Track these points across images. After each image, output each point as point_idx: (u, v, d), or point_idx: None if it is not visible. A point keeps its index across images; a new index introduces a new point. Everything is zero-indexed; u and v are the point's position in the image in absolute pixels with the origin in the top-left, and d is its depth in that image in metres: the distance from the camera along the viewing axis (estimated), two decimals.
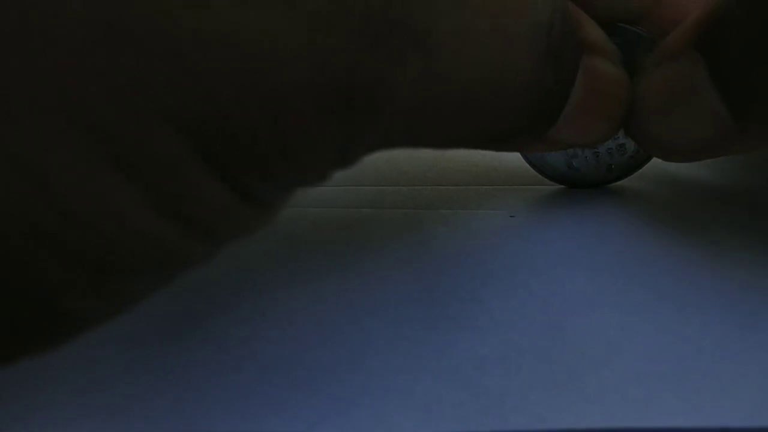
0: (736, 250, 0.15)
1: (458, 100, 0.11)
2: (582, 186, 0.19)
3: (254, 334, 0.13)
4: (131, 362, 0.12)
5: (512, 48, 0.11)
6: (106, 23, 0.07)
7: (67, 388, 0.11)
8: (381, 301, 0.13)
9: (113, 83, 0.07)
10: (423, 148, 0.13)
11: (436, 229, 0.17)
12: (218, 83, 0.08)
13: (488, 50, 0.11)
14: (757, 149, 0.15)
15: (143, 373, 0.12)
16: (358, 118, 0.09)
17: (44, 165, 0.07)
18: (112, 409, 0.11)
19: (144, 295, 0.09)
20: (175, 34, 0.08)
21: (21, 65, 0.07)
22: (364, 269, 0.15)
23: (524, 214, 0.17)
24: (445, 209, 0.18)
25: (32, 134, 0.07)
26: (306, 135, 0.09)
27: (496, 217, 0.17)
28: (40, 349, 0.09)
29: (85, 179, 0.08)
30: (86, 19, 0.07)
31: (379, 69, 0.09)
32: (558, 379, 0.11)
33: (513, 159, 0.22)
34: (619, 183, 0.19)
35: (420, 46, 0.10)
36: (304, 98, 0.09)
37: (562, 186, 0.19)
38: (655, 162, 0.18)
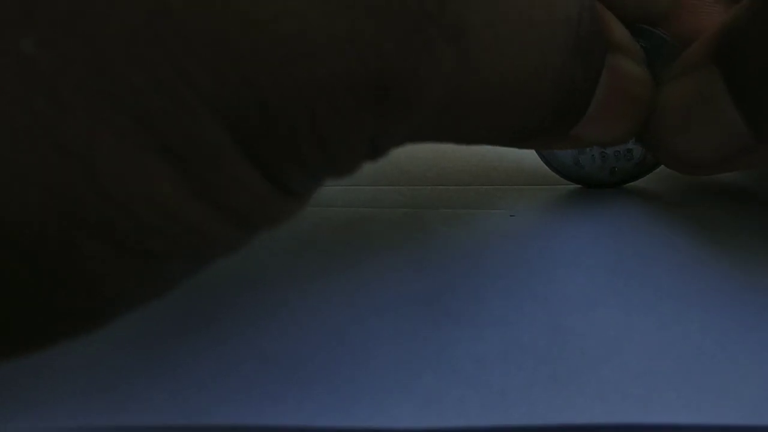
0: (737, 249, 0.15)
1: (488, 95, 0.11)
2: (582, 184, 0.19)
3: (255, 331, 0.13)
4: (132, 356, 0.12)
5: (542, 43, 0.11)
6: (149, 10, 0.07)
7: (68, 382, 0.11)
8: (382, 299, 0.13)
9: (157, 70, 0.08)
10: (448, 143, 0.13)
11: (437, 229, 0.17)
12: (259, 71, 0.08)
13: (519, 45, 0.11)
14: None
15: (144, 367, 0.12)
16: (392, 111, 0.10)
17: (91, 152, 0.07)
18: (113, 401, 0.11)
19: (180, 280, 0.10)
20: (217, 21, 0.08)
21: (69, 51, 0.07)
22: (365, 268, 0.15)
23: (524, 214, 0.17)
24: (445, 209, 0.18)
25: (80, 121, 0.07)
26: (341, 126, 0.09)
27: (496, 217, 0.17)
28: (79, 331, 0.09)
29: (131, 166, 0.08)
30: (131, 5, 0.07)
31: (414, 61, 0.09)
32: (558, 376, 0.11)
33: (513, 159, 0.22)
34: None
35: (454, 39, 0.10)
36: (341, 89, 0.09)
37: (562, 186, 0.19)
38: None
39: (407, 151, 0.23)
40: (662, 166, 0.18)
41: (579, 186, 0.19)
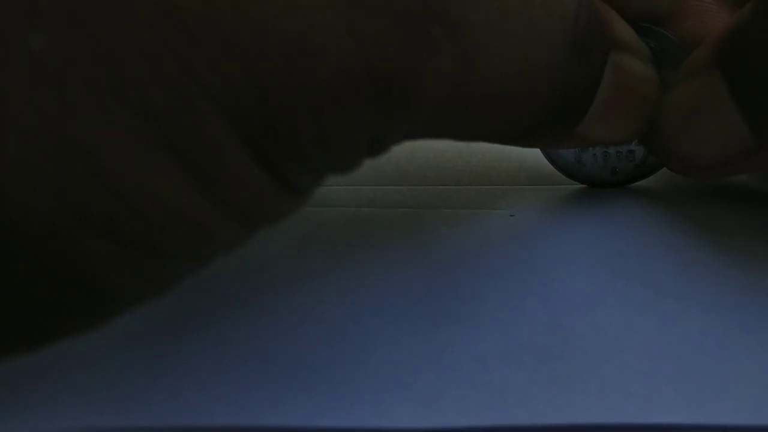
0: (737, 248, 0.15)
1: (488, 93, 0.11)
2: (583, 183, 0.19)
3: (255, 330, 0.13)
4: (132, 356, 0.12)
5: (540, 40, 0.11)
6: (155, 6, 0.07)
7: (67, 382, 0.11)
8: (382, 299, 0.13)
9: (163, 66, 0.08)
10: (448, 139, 0.13)
11: (437, 229, 0.17)
12: (263, 69, 0.08)
13: (517, 42, 0.11)
14: None
15: (144, 368, 0.12)
16: (393, 109, 0.10)
17: (98, 149, 0.07)
18: (113, 402, 0.11)
19: (182, 276, 0.10)
20: (222, 19, 0.08)
21: (76, 48, 0.07)
22: (365, 268, 0.15)
23: (524, 214, 0.17)
24: (445, 209, 0.18)
25: (87, 116, 0.07)
26: (343, 123, 0.09)
27: (496, 217, 0.17)
28: (79, 329, 0.09)
29: (137, 162, 0.08)
30: (136, 2, 0.07)
31: (416, 60, 0.09)
32: (558, 376, 0.11)
33: (513, 159, 0.22)
34: None
35: (455, 37, 0.10)
36: (343, 87, 0.09)
37: (563, 185, 0.19)
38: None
39: (407, 151, 0.23)
40: (663, 168, 0.18)
41: (579, 186, 0.19)
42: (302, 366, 0.12)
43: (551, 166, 0.19)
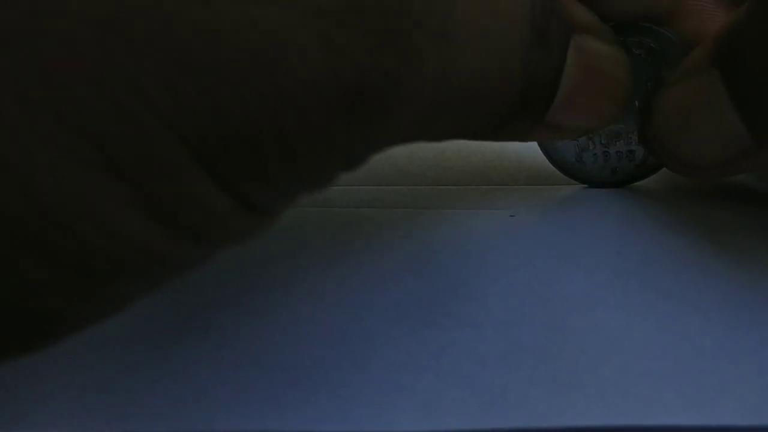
0: (737, 249, 0.15)
1: (469, 90, 0.11)
2: (583, 182, 0.19)
3: (254, 333, 0.13)
4: (131, 361, 0.12)
5: (509, 30, 0.11)
6: (101, 21, 0.07)
7: (66, 387, 0.11)
8: (381, 300, 0.13)
9: (107, 84, 0.07)
10: (422, 142, 0.12)
11: (436, 229, 0.17)
12: (219, 84, 0.08)
13: (492, 35, 0.11)
14: None
15: (143, 372, 0.12)
16: (368, 121, 0.09)
17: (28, 164, 0.07)
18: (112, 407, 0.11)
19: (134, 298, 0.09)
20: (173, 33, 0.07)
21: (11, 63, 0.07)
22: (364, 268, 0.15)
23: (524, 214, 0.17)
24: (445, 209, 0.18)
25: (19, 133, 0.07)
26: (311, 140, 0.09)
27: (496, 217, 0.17)
28: (26, 350, 0.09)
29: (74, 182, 0.07)
30: (81, 17, 0.07)
31: (394, 69, 0.09)
32: (558, 377, 0.11)
33: (513, 159, 0.22)
34: None
35: (440, 41, 0.09)
36: (310, 101, 0.08)
37: (563, 185, 0.19)
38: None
39: (407, 151, 0.23)
40: (663, 168, 0.18)
41: (580, 186, 0.19)
42: (301, 369, 0.12)
43: (551, 166, 0.19)
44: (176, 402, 0.11)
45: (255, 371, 0.12)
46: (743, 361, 0.11)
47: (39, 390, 0.11)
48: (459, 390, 0.11)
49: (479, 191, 0.20)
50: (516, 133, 0.14)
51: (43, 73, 0.07)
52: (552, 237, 0.16)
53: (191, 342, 0.12)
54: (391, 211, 0.18)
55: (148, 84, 0.07)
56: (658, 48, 0.16)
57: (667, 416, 0.10)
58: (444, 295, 0.14)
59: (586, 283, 0.14)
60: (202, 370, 0.12)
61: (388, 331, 0.12)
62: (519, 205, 0.18)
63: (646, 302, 0.13)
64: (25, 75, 0.07)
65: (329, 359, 0.12)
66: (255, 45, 0.08)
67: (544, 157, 0.19)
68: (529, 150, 0.20)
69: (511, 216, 0.17)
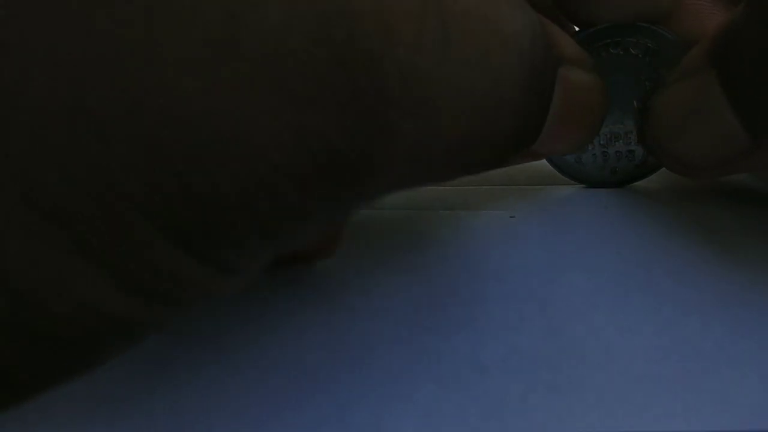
0: (736, 251, 0.15)
1: (453, 144, 0.10)
2: (583, 182, 0.19)
3: (253, 338, 0.13)
4: (129, 365, 0.12)
5: (500, 83, 0.11)
6: (67, 107, 0.07)
7: (64, 390, 0.11)
8: (380, 304, 0.13)
9: (73, 168, 0.07)
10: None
11: (436, 230, 0.17)
12: (188, 167, 0.07)
13: (481, 91, 0.10)
14: None
15: (142, 377, 0.12)
16: (344, 191, 0.09)
17: None
18: (111, 411, 0.11)
19: (112, 356, 0.09)
20: (139, 120, 0.07)
21: None
22: (364, 271, 0.15)
23: (524, 215, 0.17)
24: (445, 209, 0.18)
25: None
26: (286, 215, 0.08)
27: (496, 218, 0.17)
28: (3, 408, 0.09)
29: (40, 261, 0.07)
30: (47, 102, 0.07)
31: (369, 144, 0.09)
32: (558, 383, 0.11)
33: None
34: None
35: (416, 112, 0.09)
36: (285, 183, 0.08)
37: (563, 186, 0.19)
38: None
39: None
40: (663, 167, 0.18)
41: (579, 186, 0.19)
42: (299, 375, 0.12)
43: (551, 166, 0.19)
44: (175, 407, 0.11)
45: (253, 377, 0.12)
46: (743, 365, 0.11)
47: (39, 397, 0.11)
48: (458, 396, 0.11)
49: (479, 192, 0.20)
50: (502, 165, 0.14)
51: (11, 161, 0.07)
52: (552, 239, 0.16)
53: (189, 347, 0.12)
54: (390, 212, 0.18)
55: (117, 169, 0.07)
56: (657, 48, 0.16)
57: (667, 422, 0.10)
58: (443, 299, 0.14)
59: (586, 285, 0.14)
60: (201, 375, 0.12)
61: (386, 336, 0.12)
62: (519, 206, 0.18)
63: (646, 305, 0.13)
64: None
65: (328, 364, 0.12)
66: (225, 132, 0.07)
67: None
68: None
69: (511, 217, 0.17)
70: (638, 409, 0.11)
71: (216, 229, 0.08)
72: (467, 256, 0.15)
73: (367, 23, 0.08)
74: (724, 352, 0.12)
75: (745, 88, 0.13)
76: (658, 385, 0.11)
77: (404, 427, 0.10)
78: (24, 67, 0.07)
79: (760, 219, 0.16)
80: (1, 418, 0.11)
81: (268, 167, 0.08)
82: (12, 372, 0.08)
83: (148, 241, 0.08)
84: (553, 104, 0.13)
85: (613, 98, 0.17)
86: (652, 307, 0.13)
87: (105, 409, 0.11)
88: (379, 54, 0.08)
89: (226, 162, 0.08)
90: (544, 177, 0.20)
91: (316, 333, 0.13)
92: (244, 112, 0.08)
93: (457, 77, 0.10)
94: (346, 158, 0.08)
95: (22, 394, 0.09)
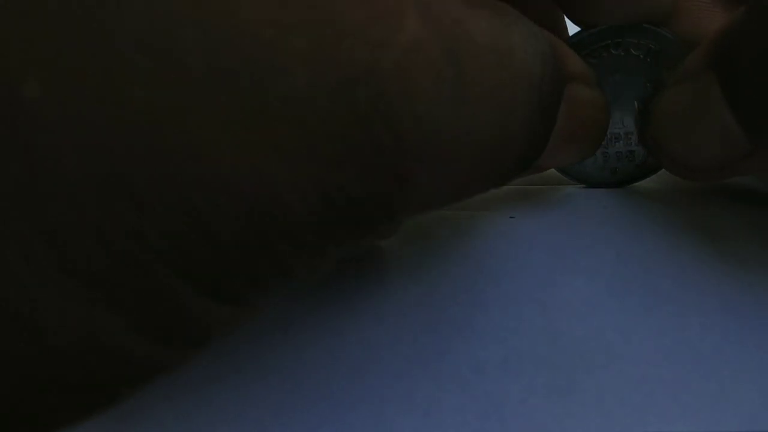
0: (736, 252, 0.15)
1: (462, 182, 0.11)
2: (583, 182, 0.19)
3: (253, 339, 0.13)
4: None
5: (510, 117, 0.11)
6: (100, 177, 0.07)
7: None
8: (380, 305, 0.13)
9: (106, 233, 0.07)
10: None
11: (436, 231, 0.17)
12: (215, 222, 0.08)
13: (489, 132, 0.10)
14: None
15: None
16: (361, 235, 0.09)
17: (32, 310, 0.07)
18: (113, 414, 0.11)
19: (128, 398, 0.10)
20: (171, 185, 0.07)
21: (16, 224, 0.07)
22: (363, 272, 0.15)
23: (524, 216, 0.17)
24: (444, 210, 0.18)
25: (23, 283, 0.07)
26: (305, 257, 0.09)
27: (496, 218, 0.17)
28: None
29: (74, 319, 0.08)
30: (81, 174, 0.07)
31: (387, 194, 0.09)
32: (557, 384, 0.11)
33: None
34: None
35: (431, 162, 0.09)
36: (307, 232, 0.08)
37: (563, 186, 0.19)
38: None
39: None
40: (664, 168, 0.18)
41: (579, 186, 0.19)
42: (299, 375, 0.12)
43: None
44: (176, 408, 0.11)
45: (253, 378, 0.12)
46: (742, 367, 0.11)
47: None
48: (457, 397, 0.11)
49: None
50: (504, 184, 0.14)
51: (47, 230, 0.07)
52: (551, 240, 0.16)
53: None
54: None
55: (148, 232, 0.07)
56: (658, 49, 0.16)
57: (666, 423, 0.10)
58: (443, 300, 0.14)
59: (586, 287, 0.14)
60: (202, 376, 0.12)
61: (386, 337, 0.12)
62: (519, 206, 0.18)
63: (645, 307, 0.13)
64: (30, 234, 0.07)
65: (328, 365, 0.12)
66: (251, 189, 0.08)
67: None
68: None
69: (510, 218, 0.17)
70: (638, 411, 0.11)
71: (239, 274, 0.08)
72: (466, 257, 0.15)
73: (389, 82, 0.08)
74: (723, 353, 0.12)
75: (744, 91, 0.13)
76: (658, 386, 0.11)
77: (404, 427, 0.10)
78: (59, 141, 0.07)
79: (761, 220, 0.16)
80: None
81: (290, 217, 0.08)
82: (41, 418, 0.08)
83: (176, 291, 0.08)
84: (558, 121, 0.13)
85: (614, 99, 0.17)
86: (651, 308, 0.13)
87: (106, 413, 0.11)
88: (401, 111, 0.09)
89: (252, 215, 0.08)
90: (544, 177, 0.20)
91: (316, 333, 0.13)
92: (270, 171, 0.08)
93: (469, 119, 0.10)
94: (364, 207, 0.09)
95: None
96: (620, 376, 0.11)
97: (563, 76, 0.13)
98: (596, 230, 0.16)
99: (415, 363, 0.12)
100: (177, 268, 0.08)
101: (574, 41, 0.16)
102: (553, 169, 0.19)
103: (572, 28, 0.17)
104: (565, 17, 0.17)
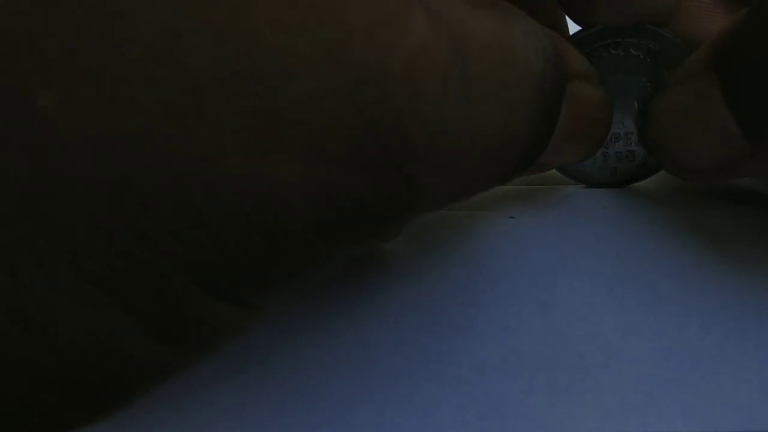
0: (736, 252, 0.15)
1: (465, 182, 0.11)
2: (583, 182, 0.19)
3: (253, 339, 0.13)
4: None
5: (513, 117, 0.11)
6: (112, 181, 0.07)
7: None
8: (380, 306, 0.13)
9: (119, 237, 0.07)
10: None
11: (436, 231, 0.17)
12: (224, 225, 0.08)
13: (492, 132, 0.11)
14: None
15: None
16: (368, 237, 0.09)
17: (45, 314, 0.07)
18: (114, 416, 0.11)
19: (145, 393, 0.10)
20: (181, 189, 0.08)
21: (28, 228, 0.07)
22: (363, 273, 0.15)
23: (524, 216, 0.17)
24: (444, 210, 0.18)
25: (36, 287, 0.07)
26: (312, 259, 0.09)
27: (496, 218, 0.17)
28: None
29: (86, 321, 0.08)
30: (93, 180, 0.07)
31: (394, 195, 0.09)
32: (557, 384, 0.11)
33: None
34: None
35: (436, 163, 0.09)
36: (311, 230, 0.09)
37: (563, 186, 0.19)
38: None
39: None
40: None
41: (579, 186, 0.19)
42: (300, 376, 0.12)
43: None
44: (177, 408, 0.11)
45: (254, 378, 0.12)
46: (742, 367, 0.11)
47: None
48: (457, 397, 0.11)
49: None
50: (506, 183, 0.14)
51: (60, 234, 0.07)
52: (551, 240, 0.16)
53: None
54: None
55: (158, 235, 0.08)
56: (658, 49, 0.16)
57: (666, 423, 0.10)
58: (442, 300, 0.14)
59: (585, 287, 0.14)
60: (202, 375, 0.12)
61: (386, 337, 0.12)
62: (519, 206, 0.18)
63: (645, 307, 0.13)
64: (43, 237, 0.07)
65: (328, 366, 0.12)
66: (259, 192, 0.08)
67: None
68: None
69: (510, 218, 0.17)
70: (638, 411, 0.11)
71: (247, 275, 0.09)
72: (466, 257, 0.15)
73: (397, 84, 0.08)
74: (723, 353, 0.12)
75: (745, 93, 0.13)
76: (658, 387, 0.11)
77: (404, 427, 0.10)
78: (71, 146, 0.07)
79: (760, 220, 0.16)
80: None
81: (297, 219, 0.08)
82: (50, 419, 0.08)
83: (185, 293, 0.08)
84: (561, 120, 0.13)
85: (614, 99, 0.17)
86: (651, 308, 0.13)
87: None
88: (408, 113, 0.09)
89: (260, 218, 0.08)
90: (544, 177, 0.20)
91: (316, 333, 0.13)
92: (278, 172, 0.08)
93: (474, 119, 0.10)
94: (371, 208, 0.09)
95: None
96: (620, 376, 0.11)
97: (565, 74, 0.13)
98: (596, 230, 0.16)
99: (415, 363, 0.12)
100: (185, 269, 0.08)
101: (574, 41, 0.16)
102: (553, 169, 0.19)
103: (573, 28, 0.17)
104: (566, 17, 0.17)
